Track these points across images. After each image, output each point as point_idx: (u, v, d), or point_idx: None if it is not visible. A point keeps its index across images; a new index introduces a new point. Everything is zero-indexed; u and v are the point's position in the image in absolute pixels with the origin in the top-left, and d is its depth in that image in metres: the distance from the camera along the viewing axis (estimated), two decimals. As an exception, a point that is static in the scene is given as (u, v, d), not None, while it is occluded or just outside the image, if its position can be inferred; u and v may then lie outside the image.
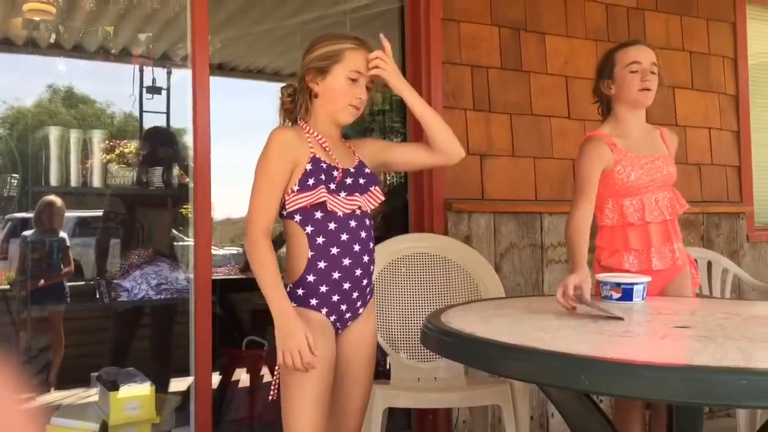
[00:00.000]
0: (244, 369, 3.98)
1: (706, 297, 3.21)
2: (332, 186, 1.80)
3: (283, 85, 1.91)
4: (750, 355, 1.46)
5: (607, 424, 1.84)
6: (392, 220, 3.93)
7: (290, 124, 1.91)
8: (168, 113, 4.71)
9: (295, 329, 1.71)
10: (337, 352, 1.86)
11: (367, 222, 1.89)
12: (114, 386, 2.66)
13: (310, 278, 1.80)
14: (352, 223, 1.83)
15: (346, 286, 1.84)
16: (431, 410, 3.17)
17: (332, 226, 1.80)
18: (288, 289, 1.82)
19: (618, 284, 2.15)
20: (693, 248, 3.59)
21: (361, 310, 1.92)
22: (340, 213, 1.81)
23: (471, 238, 3.26)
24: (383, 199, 1.91)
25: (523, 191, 3.47)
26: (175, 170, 3.32)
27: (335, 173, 1.81)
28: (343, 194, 1.82)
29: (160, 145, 3.41)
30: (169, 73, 4.66)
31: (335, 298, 1.83)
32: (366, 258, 1.87)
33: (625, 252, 2.32)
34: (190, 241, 2.84)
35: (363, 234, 1.86)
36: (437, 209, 3.25)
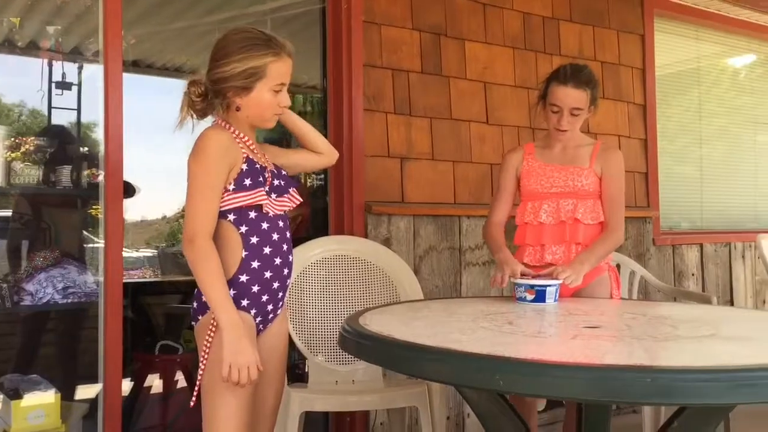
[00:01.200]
0: (157, 374, 3.87)
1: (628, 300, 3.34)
2: (266, 188, 1.81)
3: (190, 80, 1.83)
4: (654, 354, 1.52)
5: (520, 424, 1.88)
6: (312, 222, 3.91)
7: (195, 118, 1.85)
8: (79, 110, 4.53)
9: (246, 345, 1.69)
10: None
11: (288, 222, 1.92)
12: (16, 394, 2.55)
13: (243, 278, 1.79)
14: (281, 223, 1.86)
15: (275, 285, 1.85)
16: (349, 413, 3.16)
17: (265, 225, 1.82)
18: None
19: (532, 286, 2.22)
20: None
21: (279, 311, 1.92)
22: (272, 213, 1.82)
23: (390, 240, 3.27)
24: (301, 200, 1.95)
25: (442, 195, 3.51)
26: (86, 169, 3.19)
27: (266, 174, 1.84)
28: (274, 195, 1.84)
29: (67, 143, 3.28)
30: (80, 69, 4.48)
31: (264, 298, 1.83)
32: (290, 257, 1.90)
33: (525, 247, 2.56)
34: (101, 243, 2.74)
35: (288, 234, 1.90)
36: (357, 212, 3.24)
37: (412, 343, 1.55)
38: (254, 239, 1.80)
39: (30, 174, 2.89)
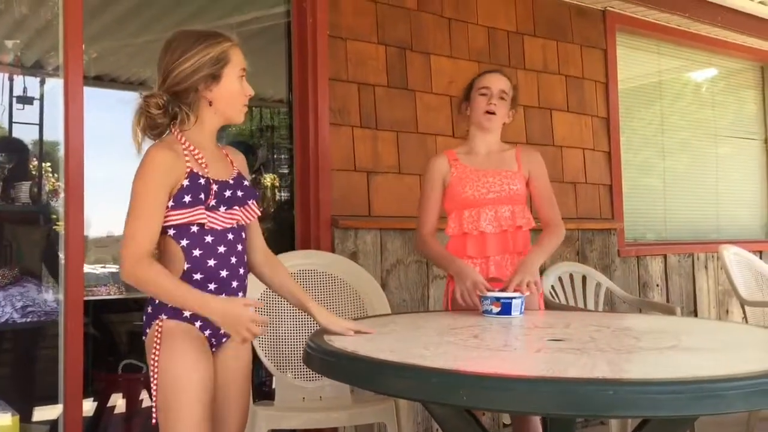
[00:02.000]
0: (121, 394, 3.79)
1: (581, 310, 3.36)
2: (212, 202, 1.75)
3: (145, 95, 1.76)
4: (617, 367, 1.52)
5: (487, 438, 1.87)
6: (278, 237, 3.88)
7: (151, 137, 1.79)
8: (41, 125, 4.46)
9: (231, 307, 1.67)
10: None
11: (243, 235, 1.86)
12: (-29, 417, 2.46)
13: None
14: (230, 236, 1.80)
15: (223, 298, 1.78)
16: (316, 430, 3.12)
17: (209, 239, 1.76)
18: (157, 302, 1.75)
19: (497, 299, 2.21)
20: (569, 263, 3.75)
21: None
22: (219, 227, 1.76)
23: (358, 254, 3.26)
24: (259, 213, 1.90)
25: (409, 208, 3.50)
26: (48, 185, 3.13)
27: (211, 188, 1.76)
28: (222, 208, 1.77)
29: (26, 158, 3.21)
30: (42, 83, 4.41)
31: None
32: (242, 270, 1.83)
33: (464, 259, 2.44)
34: (61, 260, 2.68)
35: (239, 247, 1.83)
36: (324, 226, 3.23)
37: (375, 359, 1.53)
38: (197, 252, 1.74)
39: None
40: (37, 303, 2.86)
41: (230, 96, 1.79)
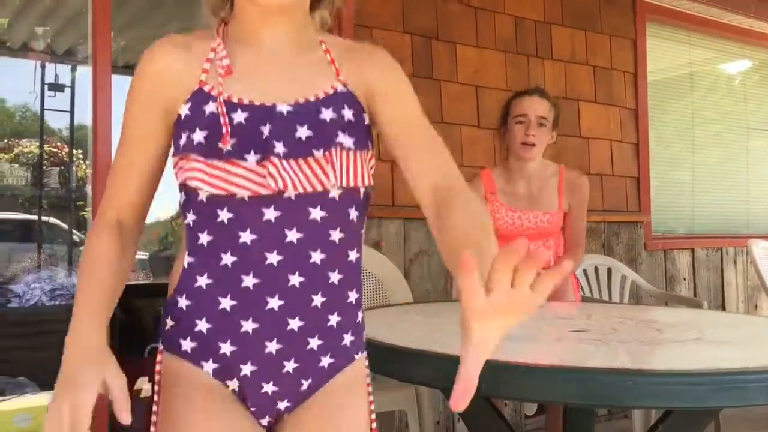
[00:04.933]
0: (147, 378, 3.85)
1: (605, 302, 3.33)
2: (228, 146, 0.96)
3: None
4: (638, 358, 1.51)
5: (506, 429, 1.87)
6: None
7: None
8: (72, 111, 4.53)
9: (82, 375, 0.87)
10: None
11: (317, 213, 1.01)
12: (2, 396, 2.52)
13: (183, 303, 1.05)
14: (269, 214, 0.98)
15: (249, 327, 1.03)
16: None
17: (224, 215, 0.99)
18: (163, 313, 1.12)
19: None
20: (594, 255, 3.73)
21: (305, 383, 1.08)
22: (224, 193, 0.97)
23: (381, 244, 3.27)
24: (329, 181, 1.01)
25: (433, 198, 3.50)
26: (80, 172, 3.18)
27: (237, 117, 0.99)
28: (252, 157, 0.97)
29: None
30: (73, 70, 4.49)
31: (224, 345, 1.04)
32: (301, 280, 1.02)
33: None
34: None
35: (293, 236, 1.00)
36: (347, 215, 3.23)
37: (395, 346, 1.54)
38: (204, 237, 1.01)
39: (20, 176, 2.88)
40: (65, 286, 2.91)
41: None
